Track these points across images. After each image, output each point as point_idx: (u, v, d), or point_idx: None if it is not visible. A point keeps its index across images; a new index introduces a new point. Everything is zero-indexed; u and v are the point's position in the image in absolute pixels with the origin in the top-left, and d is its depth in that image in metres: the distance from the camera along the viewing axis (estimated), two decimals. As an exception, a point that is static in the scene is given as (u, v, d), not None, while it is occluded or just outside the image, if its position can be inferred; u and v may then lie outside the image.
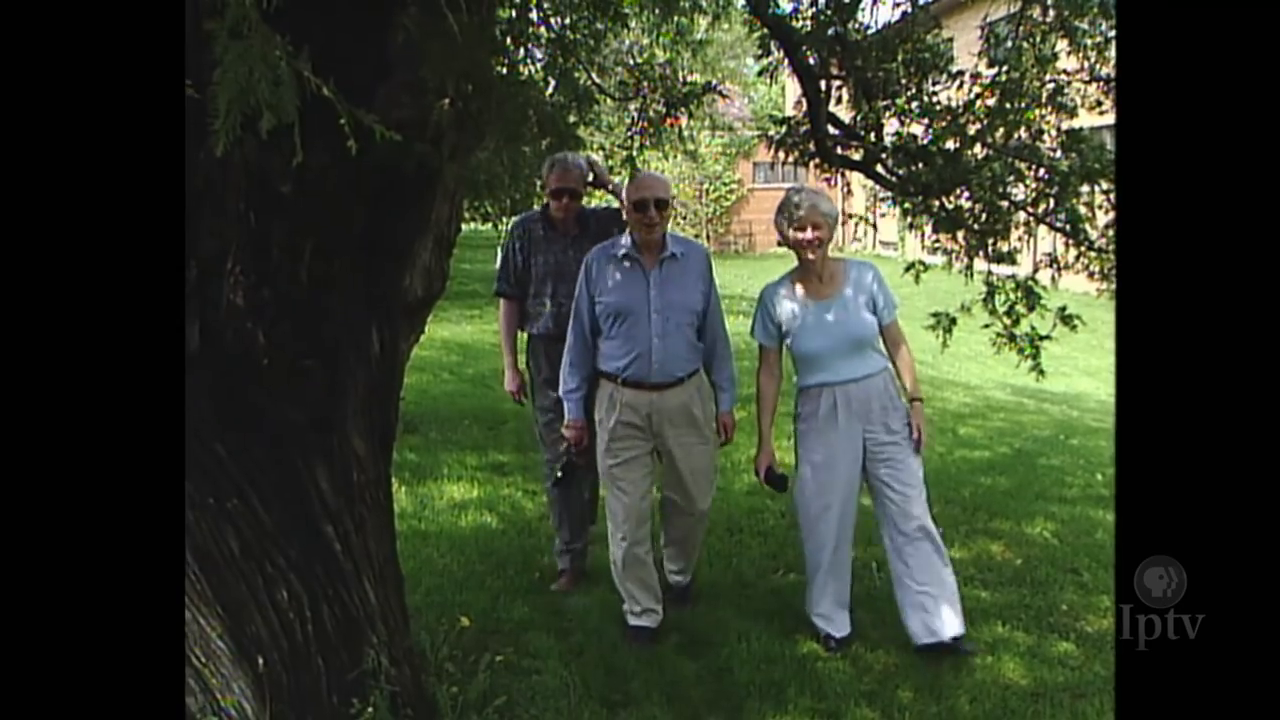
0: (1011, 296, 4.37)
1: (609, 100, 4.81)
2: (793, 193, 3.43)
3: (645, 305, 3.39)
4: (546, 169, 3.93)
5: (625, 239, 3.46)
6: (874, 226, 5.28)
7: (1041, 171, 4.15)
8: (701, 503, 3.62)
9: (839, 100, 4.30)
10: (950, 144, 4.10)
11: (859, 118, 4.28)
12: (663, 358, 3.39)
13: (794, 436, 3.52)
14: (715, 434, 3.61)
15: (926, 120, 4.20)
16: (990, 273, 4.47)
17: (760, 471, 3.57)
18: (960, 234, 4.31)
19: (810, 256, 3.39)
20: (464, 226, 4.17)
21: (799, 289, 3.47)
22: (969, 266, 4.43)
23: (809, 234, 3.36)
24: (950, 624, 3.33)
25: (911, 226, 4.56)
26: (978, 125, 4.14)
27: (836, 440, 3.40)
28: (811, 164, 4.50)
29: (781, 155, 4.51)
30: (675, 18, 4.60)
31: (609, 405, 3.47)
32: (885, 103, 4.19)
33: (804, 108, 4.25)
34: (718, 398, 3.61)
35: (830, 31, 3.98)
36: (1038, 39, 4.12)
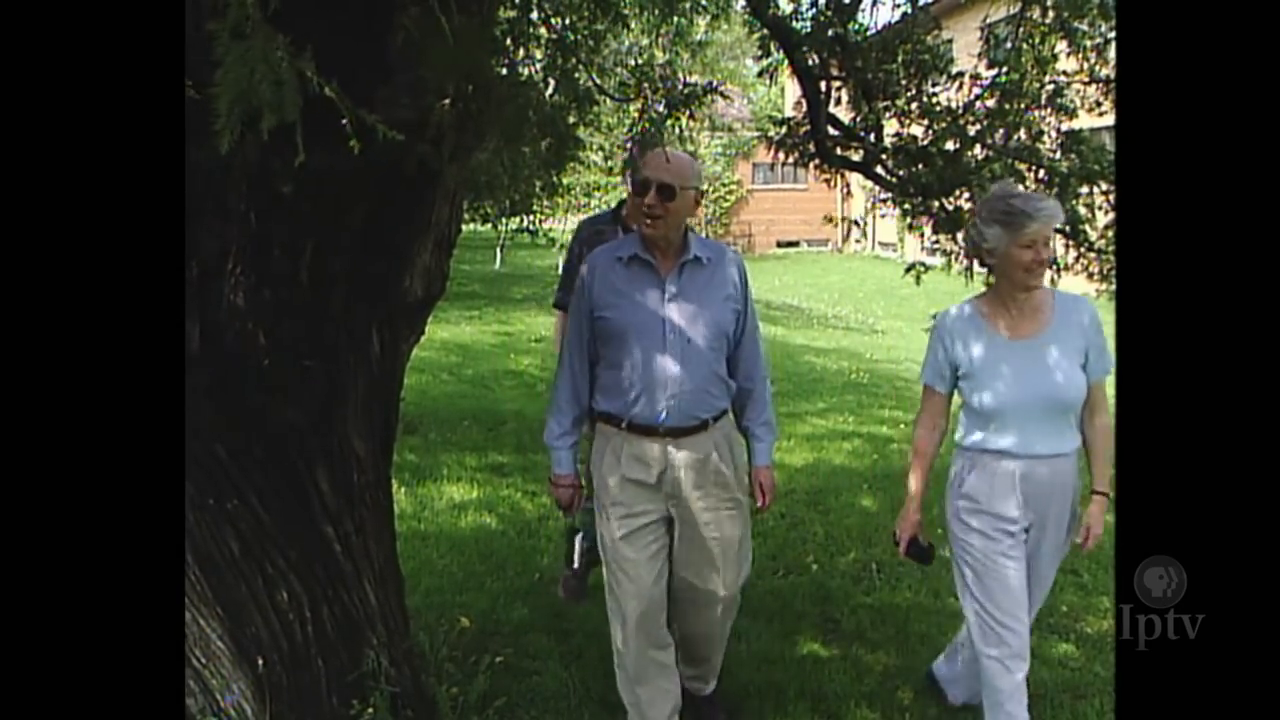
0: (1011, 297, 4.36)
1: (609, 101, 4.80)
2: (1016, 198, 2.50)
3: (658, 323, 2.59)
4: (638, 152, 3.23)
5: (635, 236, 2.70)
6: (857, 225, 5.26)
7: (1041, 172, 4.16)
8: (729, 586, 2.79)
9: (839, 101, 4.32)
10: (950, 145, 4.11)
11: (859, 119, 4.29)
12: (679, 393, 2.59)
13: (947, 514, 2.70)
14: (749, 495, 2.82)
15: (926, 121, 4.22)
16: (990, 273, 4.47)
17: (902, 540, 2.73)
18: (960, 235, 4.32)
19: (1033, 285, 2.53)
20: (464, 227, 4.16)
21: (989, 321, 2.59)
22: (969, 267, 4.43)
23: (1042, 253, 2.49)
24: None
25: (911, 227, 4.57)
26: (977, 126, 4.16)
27: (1015, 520, 2.59)
28: (811, 165, 4.51)
29: (781, 156, 4.52)
30: (675, 18, 4.60)
31: (610, 459, 2.69)
32: (885, 104, 4.21)
33: (804, 108, 4.27)
34: (752, 448, 2.82)
35: (830, 32, 3.99)
36: (1037, 40, 4.14)
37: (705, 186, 27.56)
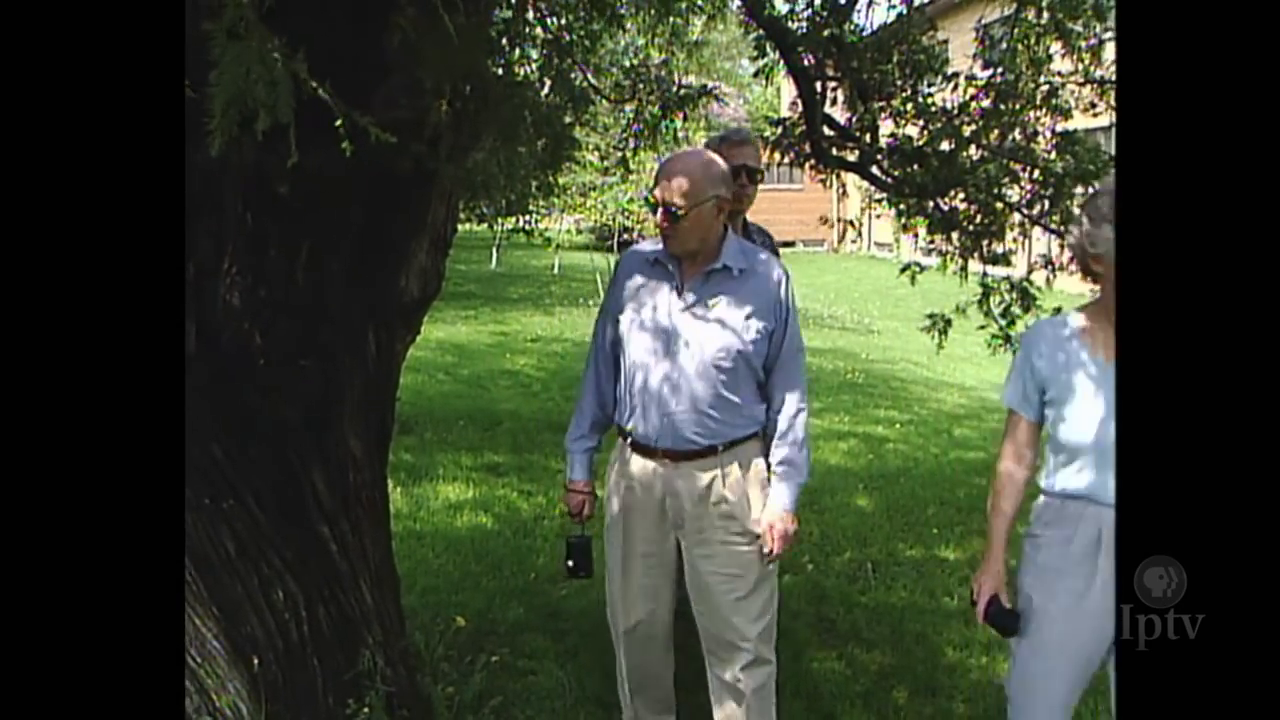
0: (1006, 298, 4.38)
1: (605, 101, 4.80)
2: None
3: (664, 333, 2.40)
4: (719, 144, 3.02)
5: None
6: (853, 226, 5.26)
7: (1036, 173, 4.16)
8: (748, 639, 2.47)
9: (834, 101, 4.32)
10: (945, 145, 4.11)
11: (854, 119, 4.29)
12: (672, 412, 2.39)
13: (1021, 563, 2.26)
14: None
15: (922, 122, 4.21)
16: (985, 274, 4.48)
17: (981, 599, 2.24)
18: (955, 235, 4.33)
19: None
20: (460, 227, 4.15)
21: (1088, 339, 2.14)
22: (964, 268, 4.45)
23: None
24: None
25: (906, 228, 4.58)
26: (973, 127, 4.16)
27: (1092, 590, 2.10)
28: (807, 165, 4.51)
29: (777, 156, 4.52)
30: (671, 18, 4.60)
31: (617, 472, 2.54)
32: (881, 104, 4.21)
33: (799, 109, 4.26)
34: (771, 487, 2.50)
35: (826, 33, 3.99)
36: (1032, 41, 4.14)
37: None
